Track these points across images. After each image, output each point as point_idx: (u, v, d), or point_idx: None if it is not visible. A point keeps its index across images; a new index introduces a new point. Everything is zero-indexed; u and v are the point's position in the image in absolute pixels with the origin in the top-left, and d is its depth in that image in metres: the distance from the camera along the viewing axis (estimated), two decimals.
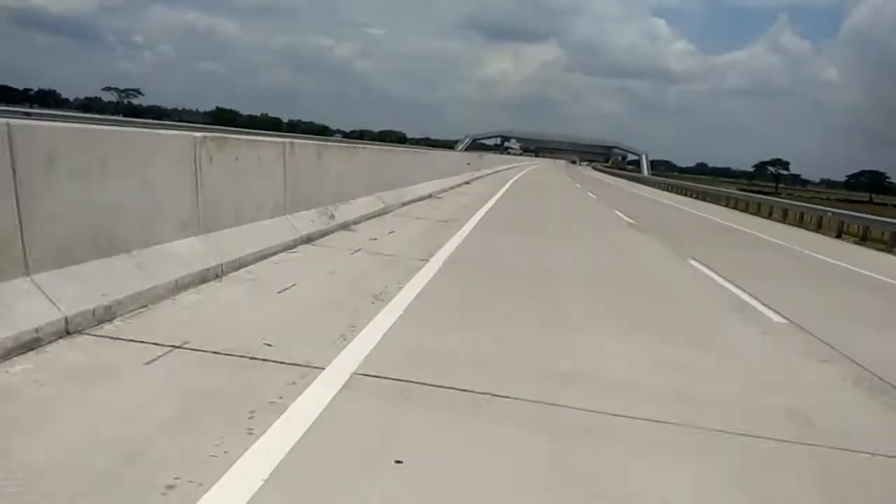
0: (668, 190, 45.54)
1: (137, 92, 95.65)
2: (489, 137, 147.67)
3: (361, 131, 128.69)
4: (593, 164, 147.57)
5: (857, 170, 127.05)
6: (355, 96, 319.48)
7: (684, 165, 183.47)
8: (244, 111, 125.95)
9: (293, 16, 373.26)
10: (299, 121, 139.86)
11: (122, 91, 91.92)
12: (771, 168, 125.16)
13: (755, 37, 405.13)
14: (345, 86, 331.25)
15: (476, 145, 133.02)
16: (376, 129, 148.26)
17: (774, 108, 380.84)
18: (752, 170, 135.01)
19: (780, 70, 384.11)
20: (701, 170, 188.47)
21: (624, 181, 58.21)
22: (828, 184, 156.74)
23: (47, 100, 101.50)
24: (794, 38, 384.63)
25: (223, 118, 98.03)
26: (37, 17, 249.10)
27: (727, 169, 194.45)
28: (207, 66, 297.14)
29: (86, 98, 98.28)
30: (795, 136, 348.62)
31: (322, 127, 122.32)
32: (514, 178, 32.31)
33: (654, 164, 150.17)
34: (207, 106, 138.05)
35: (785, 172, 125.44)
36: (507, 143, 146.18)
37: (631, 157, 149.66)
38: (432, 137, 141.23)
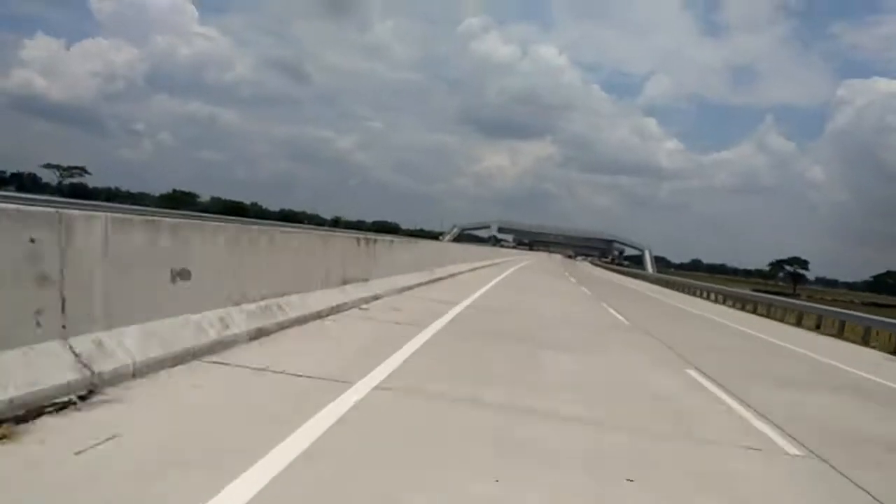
0: (698, 295, 37.54)
1: (83, 171, 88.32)
2: (480, 228, 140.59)
3: (343, 220, 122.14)
4: (590, 258, 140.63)
5: (861, 268, 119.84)
6: (353, 187, 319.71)
7: (679, 262, 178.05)
8: (237, 198, 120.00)
9: (294, 107, 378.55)
10: (288, 209, 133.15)
11: (65, 169, 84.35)
12: (788, 267, 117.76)
13: (743, 136, 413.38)
14: (343, 176, 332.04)
15: (464, 236, 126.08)
16: (370, 219, 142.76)
17: (764, 205, 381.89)
18: (767, 268, 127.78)
19: (768, 168, 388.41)
20: (696, 266, 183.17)
21: (644, 283, 50.36)
22: (839, 285, 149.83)
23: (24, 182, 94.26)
24: (780, 139, 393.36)
25: (180, 200, 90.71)
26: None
27: (722, 266, 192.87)
28: (206, 154, 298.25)
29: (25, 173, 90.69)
30: (788, 234, 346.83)
31: (288, 213, 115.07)
32: (473, 295, 23.98)
33: (640, 259, 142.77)
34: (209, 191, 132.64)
35: (804, 272, 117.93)
36: (497, 236, 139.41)
37: (629, 251, 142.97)
38: (426, 229, 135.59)
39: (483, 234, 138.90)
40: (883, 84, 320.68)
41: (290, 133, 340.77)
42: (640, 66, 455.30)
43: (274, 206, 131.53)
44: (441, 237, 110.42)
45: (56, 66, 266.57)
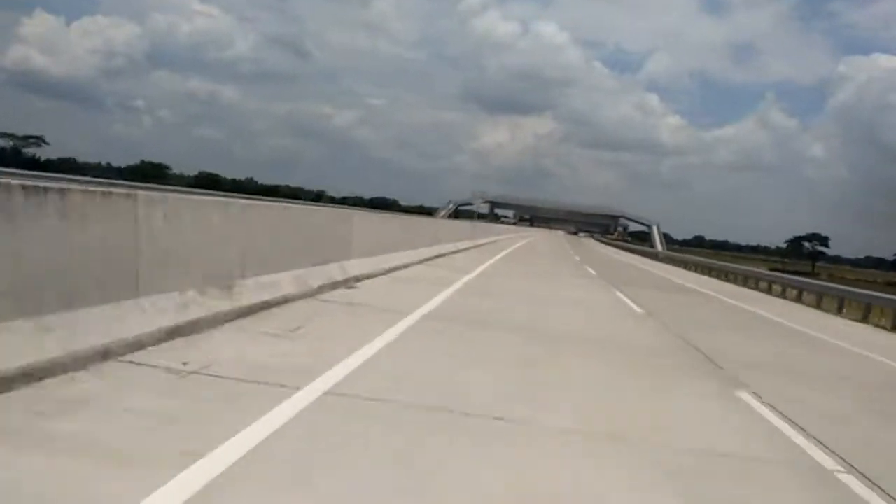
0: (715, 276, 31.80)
1: (41, 140, 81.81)
2: (477, 203, 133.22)
3: (327, 195, 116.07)
4: (594, 235, 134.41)
5: (863, 245, 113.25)
6: (354, 164, 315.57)
7: (681, 238, 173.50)
8: (237, 175, 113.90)
9: (295, 84, 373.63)
10: (279, 184, 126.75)
11: (21, 138, 77.96)
12: (807, 244, 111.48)
13: (745, 113, 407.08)
14: (344, 153, 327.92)
15: (460, 212, 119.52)
16: (368, 195, 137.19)
17: (766, 181, 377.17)
18: (784, 245, 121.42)
19: (769, 145, 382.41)
20: (699, 243, 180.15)
21: (667, 267, 44.39)
22: (852, 262, 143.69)
23: None
24: (781, 116, 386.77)
25: (148, 173, 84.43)
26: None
27: (725, 242, 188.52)
28: (206, 131, 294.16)
29: None
30: (789, 209, 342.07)
31: (265, 187, 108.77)
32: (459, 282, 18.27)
33: (645, 235, 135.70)
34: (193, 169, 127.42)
35: (825, 250, 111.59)
36: (496, 211, 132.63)
37: (634, 227, 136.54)
38: (426, 205, 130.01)
39: (482, 209, 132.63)
40: (883, 60, 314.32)
41: (290, 110, 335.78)
42: (642, 44, 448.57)
43: (272, 182, 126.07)
44: (435, 213, 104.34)
45: (55, 43, 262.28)
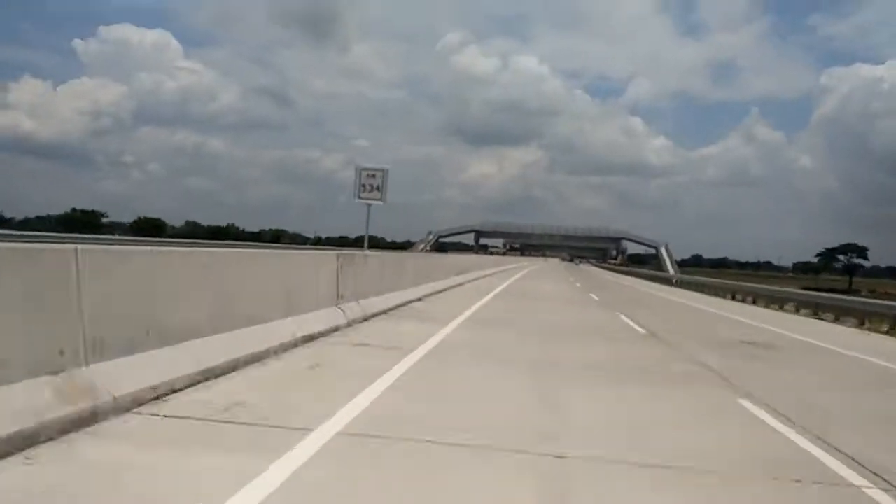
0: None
1: None
2: (460, 233, 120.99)
3: (324, 238, 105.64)
4: (590, 261, 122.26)
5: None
6: (343, 205, 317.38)
7: (679, 258, 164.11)
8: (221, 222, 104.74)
9: (280, 132, 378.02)
10: (233, 226, 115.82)
11: None
12: (841, 257, 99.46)
13: (730, 130, 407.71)
14: (333, 195, 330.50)
15: (441, 245, 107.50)
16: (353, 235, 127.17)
17: (757, 196, 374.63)
18: (815, 260, 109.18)
19: (757, 160, 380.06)
20: (698, 262, 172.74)
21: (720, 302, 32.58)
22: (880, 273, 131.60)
23: None
24: (767, 130, 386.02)
25: (82, 221, 73.23)
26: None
27: (724, 259, 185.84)
28: (194, 181, 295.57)
29: None
30: (782, 224, 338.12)
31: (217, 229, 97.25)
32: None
33: (642, 259, 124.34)
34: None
35: (863, 262, 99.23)
36: (482, 241, 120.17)
37: (632, 249, 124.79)
38: (412, 240, 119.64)
39: (466, 239, 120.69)
40: (865, 70, 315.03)
41: (278, 156, 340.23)
42: (622, 70, 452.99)
43: (255, 227, 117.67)
44: (413, 247, 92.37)
45: (43, 107, 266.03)
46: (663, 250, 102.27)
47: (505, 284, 23.52)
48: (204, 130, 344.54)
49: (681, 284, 50.39)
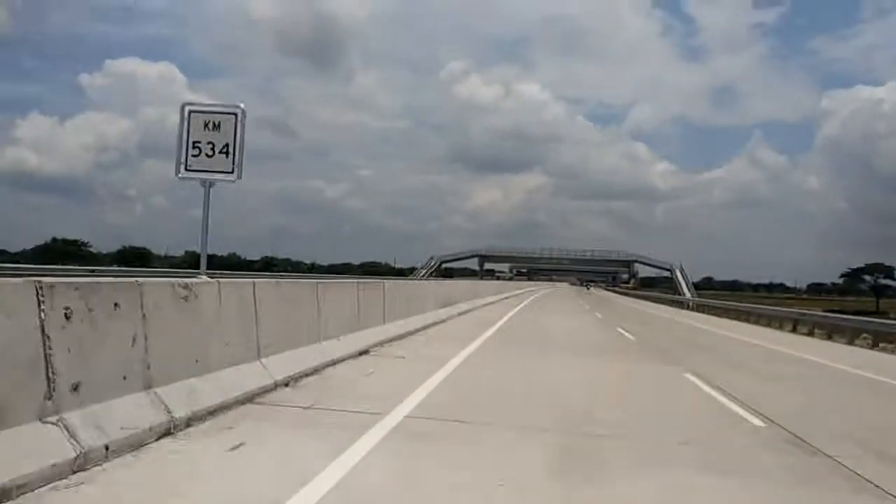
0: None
1: None
2: (464, 258, 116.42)
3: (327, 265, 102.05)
4: (600, 285, 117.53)
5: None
6: (348, 233, 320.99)
7: (691, 281, 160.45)
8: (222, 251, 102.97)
9: (285, 162, 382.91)
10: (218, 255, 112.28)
11: None
12: (868, 277, 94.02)
13: (734, 153, 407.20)
14: (338, 224, 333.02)
15: (444, 270, 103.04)
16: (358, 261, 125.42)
17: (764, 217, 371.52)
18: (840, 280, 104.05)
19: (763, 182, 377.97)
20: (709, 284, 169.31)
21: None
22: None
23: None
24: (770, 153, 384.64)
25: (63, 252, 69.40)
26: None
27: (735, 282, 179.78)
28: (197, 213, 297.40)
29: None
30: (790, 245, 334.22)
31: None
32: None
33: (653, 282, 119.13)
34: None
35: (891, 282, 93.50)
36: (487, 265, 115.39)
37: (643, 272, 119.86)
38: (418, 266, 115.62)
39: (472, 265, 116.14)
40: (866, 92, 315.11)
41: (282, 186, 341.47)
42: (624, 96, 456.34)
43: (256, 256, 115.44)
44: (413, 274, 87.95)
45: (49, 142, 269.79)
46: (678, 272, 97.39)
47: (504, 319, 19.09)
48: None
49: (695, 308, 46.47)
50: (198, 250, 6.84)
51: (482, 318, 18.06)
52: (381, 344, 9.80)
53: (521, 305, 29.82)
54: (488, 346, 11.88)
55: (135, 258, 74.49)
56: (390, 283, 12.59)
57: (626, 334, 16.98)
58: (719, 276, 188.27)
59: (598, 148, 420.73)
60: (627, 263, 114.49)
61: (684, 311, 40.37)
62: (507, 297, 35.15)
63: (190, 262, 79.71)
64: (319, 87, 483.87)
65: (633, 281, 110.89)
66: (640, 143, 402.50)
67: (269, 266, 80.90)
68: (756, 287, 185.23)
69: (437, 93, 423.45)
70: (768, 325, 27.06)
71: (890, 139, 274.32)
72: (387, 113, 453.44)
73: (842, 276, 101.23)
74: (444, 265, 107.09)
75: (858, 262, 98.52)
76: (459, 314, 17.87)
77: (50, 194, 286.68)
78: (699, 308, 42.06)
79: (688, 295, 78.61)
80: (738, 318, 31.43)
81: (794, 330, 23.81)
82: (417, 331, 12.31)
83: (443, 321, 15.08)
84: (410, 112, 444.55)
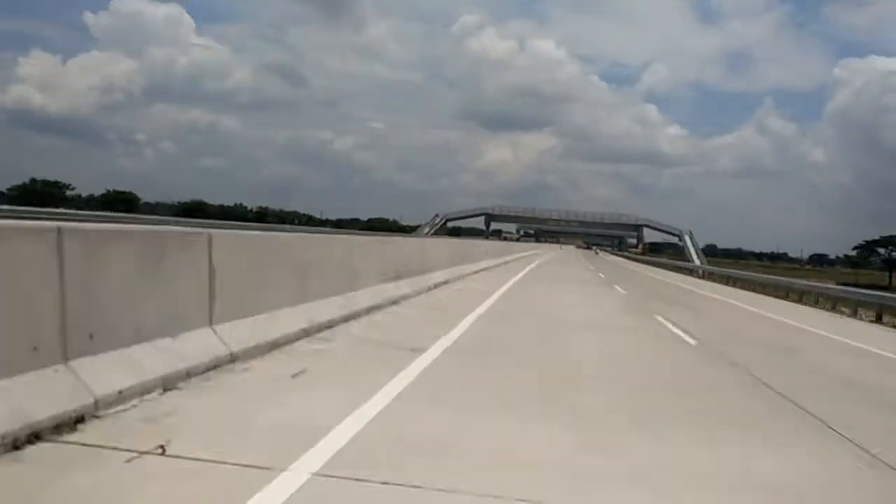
0: None
1: None
2: (471, 216, 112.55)
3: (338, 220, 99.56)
4: (606, 249, 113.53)
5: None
6: (356, 188, 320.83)
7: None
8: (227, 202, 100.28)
9: (294, 111, 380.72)
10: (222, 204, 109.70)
11: None
12: (881, 250, 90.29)
13: (744, 120, 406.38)
14: (346, 177, 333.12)
15: (450, 229, 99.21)
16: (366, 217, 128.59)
17: (770, 187, 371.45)
18: (853, 253, 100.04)
19: (772, 151, 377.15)
20: (713, 252, 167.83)
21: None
22: None
23: None
24: (780, 121, 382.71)
25: (41, 193, 66.45)
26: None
27: (738, 250, 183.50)
28: (208, 161, 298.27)
29: None
30: (796, 215, 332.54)
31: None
32: None
33: (658, 247, 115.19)
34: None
35: None
36: (494, 225, 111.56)
37: (651, 238, 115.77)
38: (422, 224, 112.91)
39: (480, 224, 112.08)
40: (879, 62, 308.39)
41: (291, 137, 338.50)
42: (638, 56, 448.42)
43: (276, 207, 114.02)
44: (415, 232, 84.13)
45: (53, 81, 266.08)
46: (687, 238, 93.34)
47: (492, 299, 12.97)
48: (216, 109, 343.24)
49: (707, 276, 43.34)
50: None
51: (450, 304, 11.62)
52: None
53: (527, 269, 25.96)
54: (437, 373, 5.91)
55: (121, 202, 70.96)
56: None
57: (679, 332, 10.80)
58: (722, 244, 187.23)
59: (610, 109, 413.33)
60: (636, 227, 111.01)
61: (711, 284, 36.54)
62: (508, 262, 31.21)
63: (111, 202, 76.12)
64: (331, 35, 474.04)
65: (640, 246, 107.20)
66: (652, 106, 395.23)
67: (261, 218, 77.59)
68: (759, 256, 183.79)
69: (451, 46, 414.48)
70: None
71: None
72: (399, 64, 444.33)
73: (855, 248, 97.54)
74: (449, 223, 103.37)
75: (859, 235, 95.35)
76: (428, 289, 12.99)
77: (54, 135, 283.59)
78: (726, 280, 39.11)
79: (697, 262, 74.97)
80: (775, 294, 27.92)
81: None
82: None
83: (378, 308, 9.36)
84: (424, 64, 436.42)
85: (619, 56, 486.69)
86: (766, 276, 38.41)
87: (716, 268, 53.47)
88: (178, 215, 57.62)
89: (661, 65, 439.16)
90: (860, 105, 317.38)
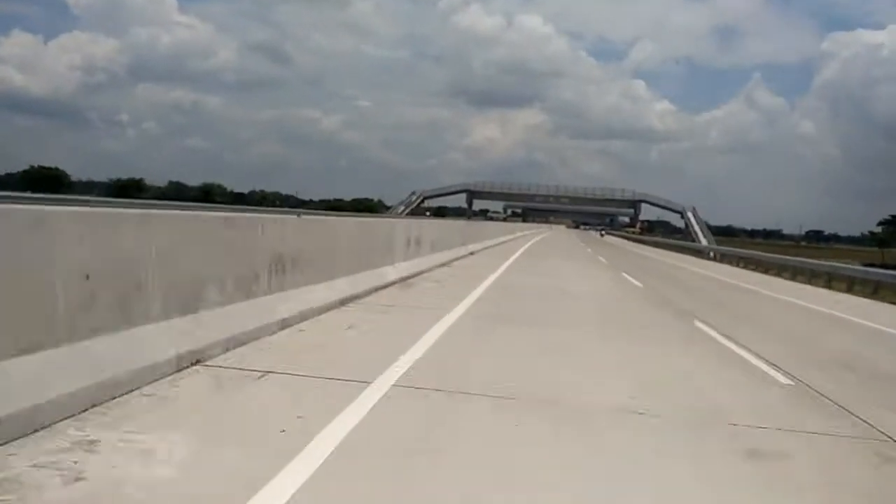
0: None
1: None
2: (451, 193, 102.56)
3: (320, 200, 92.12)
4: (603, 230, 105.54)
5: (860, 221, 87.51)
6: (343, 167, 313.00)
7: (683, 225, 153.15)
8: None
9: (279, 90, 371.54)
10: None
11: None
12: None
13: (733, 94, 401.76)
14: (333, 157, 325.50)
15: (427, 209, 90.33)
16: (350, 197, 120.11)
17: (759, 162, 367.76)
18: (878, 230, 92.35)
19: (761, 126, 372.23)
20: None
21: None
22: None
23: None
24: (768, 96, 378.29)
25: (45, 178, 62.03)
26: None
27: (729, 227, 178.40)
28: (192, 141, 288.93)
29: None
30: (790, 192, 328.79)
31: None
32: None
33: (651, 226, 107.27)
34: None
35: None
36: (477, 203, 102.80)
37: (644, 215, 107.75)
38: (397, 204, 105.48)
39: (459, 201, 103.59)
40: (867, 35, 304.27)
41: (277, 116, 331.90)
42: (626, 32, 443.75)
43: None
44: (389, 212, 75.94)
45: (34, 62, 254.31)
46: (690, 215, 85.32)
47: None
48: (200, 88, 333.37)
49: (719, 259, 36.14)
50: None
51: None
52: None
53: (503, 268, 17.90)
54: None
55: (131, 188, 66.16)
56: None
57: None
58: (712, 222, 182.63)
59: (599, 85, 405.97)
60: (633, 204, 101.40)
61: (737, 270, 28.81)
62: (486, 248, 23.15)
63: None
64: (315, 13, 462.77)
65: (638, 225, 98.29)
66: (640, 81, 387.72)
67: (207, 196, 69.96)
68: (752, 234, 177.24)
69: (438, 22, 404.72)
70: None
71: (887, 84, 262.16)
72: (385, 41, 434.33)
73: (880, 223, 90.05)
74: (427, 201, 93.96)
75: (851, 211, 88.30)
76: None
77: (35, 116, 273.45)
78: (749, 265, 31.82)
79: (704, 242, 67.22)
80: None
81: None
82: None
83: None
84: (410, 41, 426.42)
85: (606, 31, 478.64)
86: (799, 259, 31.00)
87: (731, 248, 46.07)
88: (109, 195, 50.88)
89: (649, 40, 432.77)
90: (848, 78, 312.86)
